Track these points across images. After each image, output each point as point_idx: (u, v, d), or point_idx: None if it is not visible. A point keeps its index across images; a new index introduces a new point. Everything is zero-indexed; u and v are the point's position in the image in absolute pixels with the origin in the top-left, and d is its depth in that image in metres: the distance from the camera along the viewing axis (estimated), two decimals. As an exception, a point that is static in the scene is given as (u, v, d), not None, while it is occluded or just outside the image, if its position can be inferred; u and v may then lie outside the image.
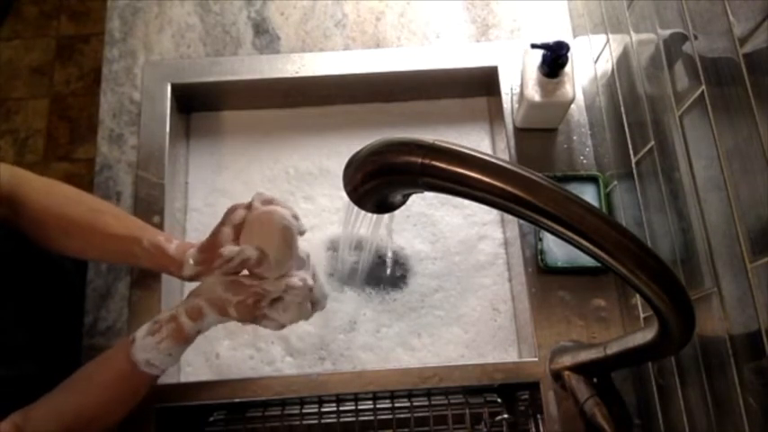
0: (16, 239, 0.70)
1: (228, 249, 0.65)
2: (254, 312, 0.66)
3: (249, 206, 0.69)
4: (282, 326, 0.69)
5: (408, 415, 0.81)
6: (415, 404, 0.81)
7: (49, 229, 0.70)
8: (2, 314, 0.72)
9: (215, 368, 0.86)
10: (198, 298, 0.66)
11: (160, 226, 0.84)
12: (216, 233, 0.69)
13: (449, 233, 0.92)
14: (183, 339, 0.65)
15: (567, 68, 0.80)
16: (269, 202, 0.69)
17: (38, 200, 0.69)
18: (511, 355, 0.86)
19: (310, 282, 0.68)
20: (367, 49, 0.95)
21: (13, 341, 0.73)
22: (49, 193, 0.71)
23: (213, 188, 0.95)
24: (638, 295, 0.62)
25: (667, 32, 0.65)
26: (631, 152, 0.75)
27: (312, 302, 0.69)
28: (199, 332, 0.67)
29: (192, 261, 0.69)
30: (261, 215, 0.68)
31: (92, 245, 0.72)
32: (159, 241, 0.71)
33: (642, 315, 0.75)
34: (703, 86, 0.58)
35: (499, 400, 0.82)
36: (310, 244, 0.90)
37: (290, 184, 0.95)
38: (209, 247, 0.68)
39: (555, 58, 0.79)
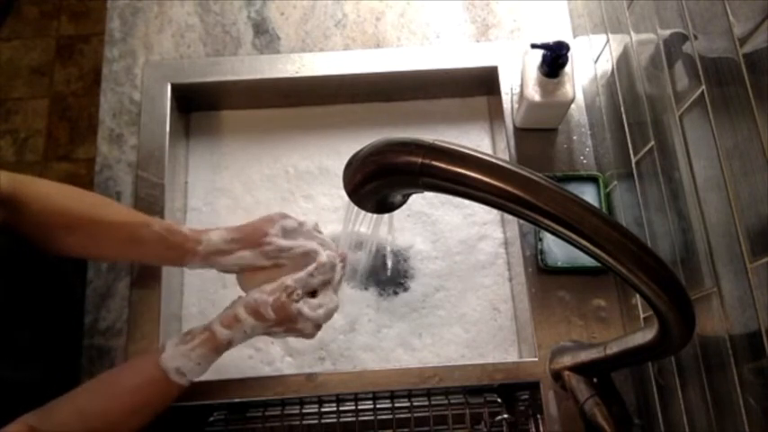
0: (15, 243, 0.70)
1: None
2: (289, 309, 0.67)
3: (302, 225, 0.74)
4: (318, 326, 0.71)
5: (408, 415, 0.81)
6: (415, 404, 0.81)
7: (52, 228, 0.70)
8: (3, 317, 0.72)
9: (215, 368, 0.85)
10: (234, 308, 0.68)
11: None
12: (262, 225, 0.72)
13: (449, 233, 0.92)
14: (215, 348, 0.67)
15: (567, 68, 0.80)
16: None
17: (40, 199, 0.69)
18: (511, 355, 0.86)
19: (334, 253, 0.71)
20: (367, 49, 0.95)
21: (16, 344, 0.73)
22: (50, 192, 0.71)
23: (213, 188, 0.95)
24: (638, 295, 0.62)
25: (667, 32, 0.65)
26: (631, 152, 0.75)
27: (334, 289, 0.73)
28: (230, 342, 0.68)
29: (218, 238, 0.71)
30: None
31: (97, 237, 0.71)
32: (171, 223, 0.72)
33: (642, 315, 0.75)
34: (703, 86, 0.58)
35: (499, 400, 0.82)
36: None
37: (290, 183, 0.95)
38: (249, 232, 0.71)
39: (555, 58, 0.78)
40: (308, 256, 0.72)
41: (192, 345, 0.66)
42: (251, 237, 0.71)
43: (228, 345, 0.68)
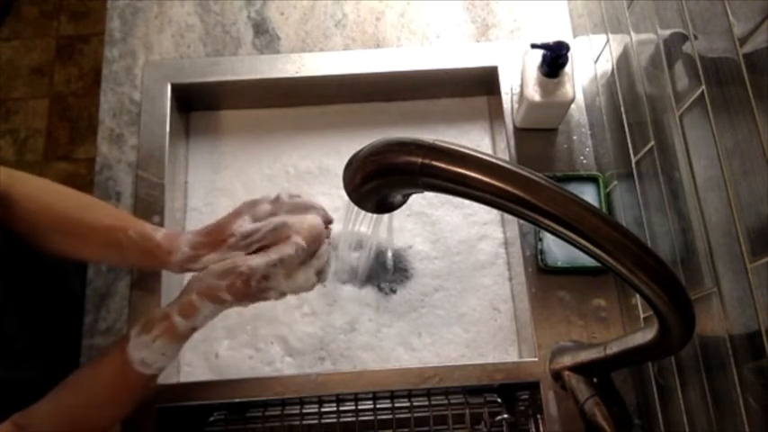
0: (14, 242, 0.70)
1: (253, 226, 0.65)
2: (247, 292, 0.63)
3: (276, 201, 0.68)
4: (283, 294, 0.66)
5: (408, 415, 0.81)
6: (415, 404, 0.81)
7: (40, 227, 0.69)
8: (4, 317, 0.72)
9: (215, 368, 0.86)
10: (189, 294, 0.64)
11: (160, 225, 0.84)
12: (227, 221, 0.67)
13: (449, 233, 0.92)
14: (177, 338, 0.64)
15: (567, 68, 0.80)
16: (301, 207, 0.68)
17: (30, 198, 0.69)
18: (511, 355, 0.86)
19: (302, 243, 0.64)
20: (367, 49, 0.95)
21: (16, 344, 0.73)
22: (41, 191, 0.70)
23: (213, 187, 0.95)
24: (638, 295, 0.62)
25: (667, 32, 0.65)
26: (631, 152, 0.75)
27: (318, 271, 0.67)
28: (194, 329, 0.65)
29: (187, 246, 0.67)
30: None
31: (79, 239, 0.70)
32: (146, 229, 0.69)
33: (642, 315, 0.75)
34: (703, 86, 0.58)
35: (499, 400, 0.82)
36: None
37: (290, 183, 0.95)
38: (213, 232, 0.67)
39: (555, 58, 0.78)
40: (278, 232, 0.65)
41: (152, 335, 0.63)
42: (214, 237, 0.66)
43: (192, 331, 0.65)
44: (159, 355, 0.63)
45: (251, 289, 0.63)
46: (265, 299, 0.66)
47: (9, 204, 0.68)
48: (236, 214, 0.67)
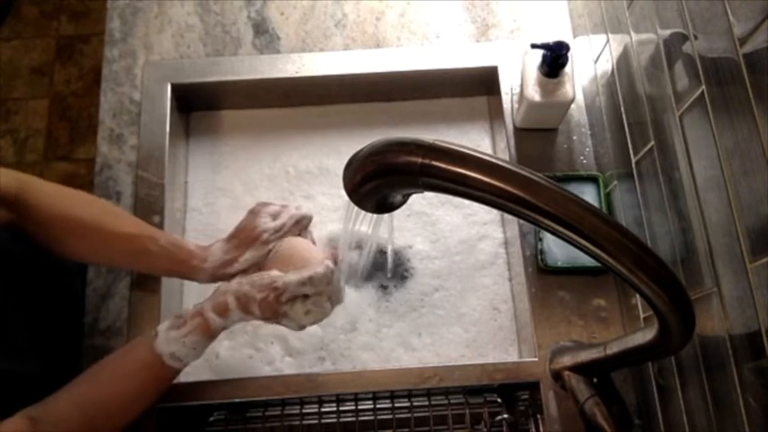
0: (19, 240, 0.71)
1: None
2: (275, 309, 0.67)
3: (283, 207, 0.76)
4: (303, 327, 0.71)
5: (408, 415, 0.81)
6: (415, 404, 0.81)
7: (59, 232, 0.71)
8: (6, 313, 0.72)
9: (215, 368, 0.86)
10: (224, 294, 0.68)
11: (160, 226, 0.84)
12: (249, 222, 0.74)
13: (449, 232, 0.92)
14: (209, 334, 0.67)
15: (567, 68, 0.80)
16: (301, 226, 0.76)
17: (49, 203, 0.70)
18: (511, 355, 0.86)
19: (331, 265, 0.69)
20: (367, 49, 0.95)
21: (16, 344, 0.73)
22: (60, 197, 0.72)
23: (213, 187, 0.95)
24: (638, 295, 0.62)
25: (667, 32, 0.65)
26: (631, 152, 0.75)
27: (330, 298, 0.71)
28: (224, 328, 0.68)
29: (219, 252, 0.72)
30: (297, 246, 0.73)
31: (102, 246, 0.73)
32: (177, 239, 0.74)
33: (642, 315, 0.75)
34: (703, 86, 0.58)
35: (499, 400, 0.82)
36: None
37: (290, 183, 0.95)
38: (240, 234, 0.73)
39: (555, 58, 0.78)
40: (301, 223, 0.75)
41: (185, 330, 0.66)
42: (245, 236, 0.73)
43: (222, 329, 0.69)
44: (190, 350, 0.66)
45: (279, 307, 0.67)
46: (285, 324, 0.70)
47: (23, 209, 0.68)
48: (255, 213, 0.74)
